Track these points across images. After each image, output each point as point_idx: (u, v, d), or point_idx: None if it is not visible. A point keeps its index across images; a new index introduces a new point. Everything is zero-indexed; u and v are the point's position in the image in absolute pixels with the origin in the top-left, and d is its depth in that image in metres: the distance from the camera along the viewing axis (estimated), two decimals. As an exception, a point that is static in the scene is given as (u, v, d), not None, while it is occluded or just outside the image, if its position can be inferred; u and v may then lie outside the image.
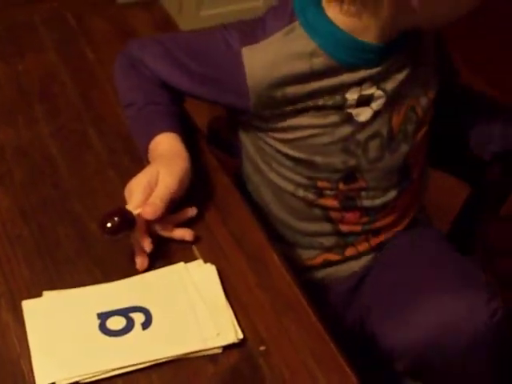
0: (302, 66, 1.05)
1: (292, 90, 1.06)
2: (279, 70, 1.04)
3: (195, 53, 1.11)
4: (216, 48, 1.08)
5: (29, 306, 0.93)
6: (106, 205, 1.05)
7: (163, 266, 0.99)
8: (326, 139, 1.10)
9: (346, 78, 1.06)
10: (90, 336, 0.91)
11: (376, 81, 1.08)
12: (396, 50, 1.08)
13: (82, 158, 1.13)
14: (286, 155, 1.12)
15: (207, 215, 1.05)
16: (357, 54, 1.05)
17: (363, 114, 1.09)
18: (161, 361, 0.89)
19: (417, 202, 1.25)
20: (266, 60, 1.05)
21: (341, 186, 1.13)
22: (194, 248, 1.01)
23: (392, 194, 1.17)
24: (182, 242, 1.02)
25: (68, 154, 1.14)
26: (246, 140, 1.18)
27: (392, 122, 1.11)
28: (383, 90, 1.08)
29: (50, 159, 1.13)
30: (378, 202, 1.16)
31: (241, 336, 0.91)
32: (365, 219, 1.18)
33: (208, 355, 0.90)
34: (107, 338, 0.90)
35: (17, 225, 1.03)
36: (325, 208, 1.16)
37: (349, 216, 1.17)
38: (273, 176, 1.16)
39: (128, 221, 0.95)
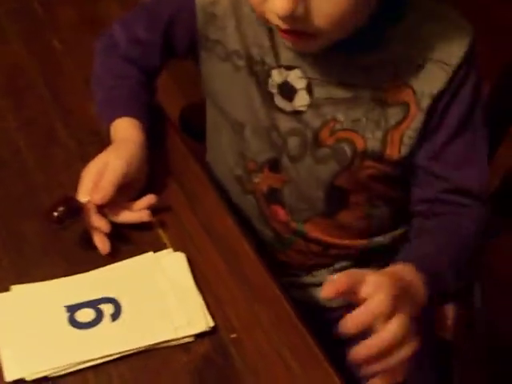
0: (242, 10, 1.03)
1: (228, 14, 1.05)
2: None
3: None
4: None
5: (-4, 300, 0.92)
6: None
7: (132, 256, 0.98)
8: (248, 116, 1.07)
9: (283, 49, 1.01)
10: (59, 329, 0.89)
11: (309, 74, 1.01)
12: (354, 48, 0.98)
13: (50, 152, 1.12)
14: (227, 118, 1.10)
15: (176, 203, 1.04)
16: None
17: (283, 104, 1.04)
18: (131, 351, 0.88)
19: (377, 228, 1.12)
20: None
21: (266, 171, 1.09)
22: (164, 236, 1.00)
23: (319, 205, 1.09)
24: (151, 231, 1.01)
25: (35, 147, 1.12)
26: (208, 110, 1.17)
27: (319, 136, 1.03)
28: (310, 90, 1.01)
29: (17, 153, 1.11)
30: (302, 206, 1.10)
31: (212, 324, 0.91)
32: (293, 224, 1.12)
33: (180, 344, 0.89)
34: (76, 330, 0.89)
35: (-17, 220, 1.02)
36: (255, 197, 1.13)
37: (276, 213, 1.12)
38: (221, 151, 1.14)
39: (74, 208, 0.96)
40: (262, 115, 1.06)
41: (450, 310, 1.23)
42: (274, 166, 1.08)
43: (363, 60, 0.99)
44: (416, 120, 1.00)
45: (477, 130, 1.02)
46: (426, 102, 0.99)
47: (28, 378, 0.85)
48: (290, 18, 0.89)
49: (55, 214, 0.94)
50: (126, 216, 1.00)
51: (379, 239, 1.13)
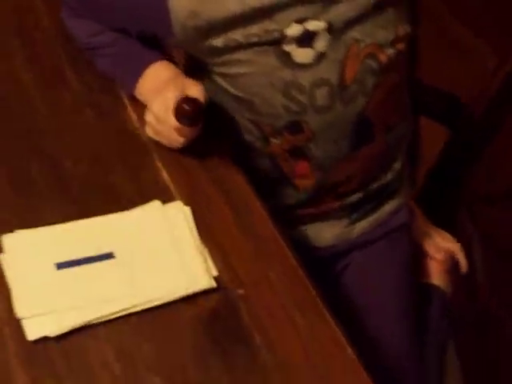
0: (228, 4, 0.98)
1: (216, 18, 0.99)
2: (204, 10, 0.98)
3: None
4: None
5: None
6: (82, 143, 1.03)
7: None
8: (263, 80, 1.04)
9: (284, 12, 0.99)
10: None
11: (321, 15, 1.00)
12: None
13: (58, 94, 1.09)
14: (228, 93, 1.07)
15: (186, 156, 1.03)
16: None
17: (304, 56, 1.01)
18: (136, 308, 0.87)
19: (387, 167, 1.17)
20: None
21: (286, 134, 1.08)
22: (172, 189, 0.99)
23: (345, 147, 1.10)
24: (160, 183, 0.99)
25: (43, 90, 1.10)
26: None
27: (345, 69, 1.03)
28: (330, 28, 1.00)
29: (25, 94, 1.08)
30: (328, 153, 1.10)
31: (214, 284, 0.90)
32: (318, 173, 1.12)
33: (187, 298, 0.88)
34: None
35: (-12, 160, 1.00)
36: (274, 157, 1.11)
37: (299, 167, 1.11)
38: (224, 120, 1.11)
39: (200, 107, 0.97)
40: (279, 79, 1.03)
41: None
42: (295, 128, 1.07)
43: None
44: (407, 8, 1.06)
45: None
46: None
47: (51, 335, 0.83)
48: None
49: (187, 107, 0.95)
50: None
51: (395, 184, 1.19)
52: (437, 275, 1.27)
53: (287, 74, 1.02)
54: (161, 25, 1.02)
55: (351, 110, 1.06)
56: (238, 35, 1.00)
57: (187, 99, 0.97)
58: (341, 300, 1.17)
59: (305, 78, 1.03)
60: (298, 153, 1.10)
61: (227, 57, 1.03)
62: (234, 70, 1.04)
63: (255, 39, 1.00)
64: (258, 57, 1.02)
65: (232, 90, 1.06)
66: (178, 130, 0.99)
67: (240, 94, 1.06)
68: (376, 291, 1.19)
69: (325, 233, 1.18)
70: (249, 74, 1.03)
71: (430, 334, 1.20)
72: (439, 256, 1.27)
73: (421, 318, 1.21)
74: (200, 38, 1.01)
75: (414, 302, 1.21)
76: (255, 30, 1.00)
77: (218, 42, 1.01)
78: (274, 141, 1.09)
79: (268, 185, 1.13)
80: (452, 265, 1.29)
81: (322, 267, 1.17)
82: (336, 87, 1.04)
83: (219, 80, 1.07)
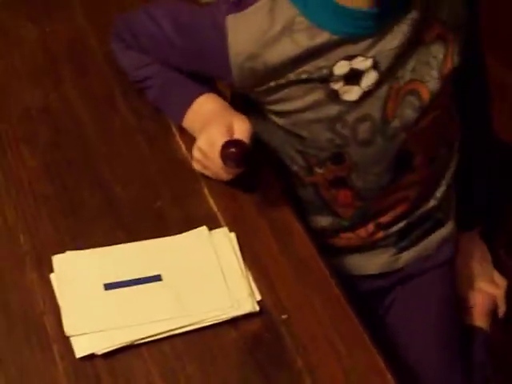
0: (284, 48, 1.00)
1: (273, 61, 1.01)
2: (262, 53, 1.00)
3: (181, 27, 1.08)
4: (202, 23, 1.05)
5: (57, 273, 0.93)
6: (132, 169, 1.06)
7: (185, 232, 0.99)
8: (311, 115, 1.06)
9: (334, 50, 1.01)
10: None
11: (369, 54, 1.01)
12: (395, 14, 1.00)
13: (109, 121, 1.13)
14: (277, 126, 1.10)
15: (232, 184, 1.04)
16: (345, 22, 0.98)
17: (351, 93, 1.03)
18: (183, 329, 0.89)
19: (430, 194, 1.19)
20: (248, 32, 1.01)
21: (329, 165, 1.10)
22: (219, 215, 1.01)
23: (386, 178, 1.12)
24: (207, 210, 1.01)
25: (95, 116, 1.13)
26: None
27: (387, 105, 1.05)
28: (376, 66, 1.01)
29: (77, 121, 1.12)
30: (369, 184, 1.12)
31: (257, 308, 0.91)
32: (358, 202, 1.14)
33: (230, 320, 0.90)
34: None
35: (42, 184, 1.03)
36: (316, 186, 1.13)
37: (341, 196, 1.14)
38: (270, 149, 1.14)
39: (246, 150, 0.97)
40: (325, 114, 1.05)
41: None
42: (338, 159, 1.09)
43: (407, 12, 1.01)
44: (456, 44, 1.06)
45: None
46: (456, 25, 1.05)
47: (98, 353, 0.86)
48: None
49: (232, 150, 0.95)
50: None
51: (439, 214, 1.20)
52: (478, 317, 1.28)
53: (334, 109, 1.05)
54: (219, 66, 1.04)
55: (392, 144, 1.08)
56: (289, 74, 1.02)
57: (233, 142, 0.97)
58: (384, 332, 1.18)
59: (350, 114, 1.05)
60: (339, 182, 1.12)
61: (278, 94, 1.05)
62: (284, 106, 1.07)
63: (305, 76, 1.02)
64: (307, 93, 1.04)
65: (281, 123, 1.09)
66: (223, 169, 1.01)
67: (289, 128, 1.08)
68: (418, 325, 1.19)
69: (370, 262, 1.19)
70: (298, 109, 1.06)
71: (474, 372, 1.20)
72: (478, 300, 1.27)
73: (465, 355, 1.21)
74: (255, 79, 1.04)
75: (454, 335, 1.21)
76: (306, 67, 1.02)
77: (271, 83, 1.04)
78: (318, 170, 1.11)
79: (311, 213, 1.15)
80: (493, 307, 1.29)
81: (367, 301, 1.19)
82: (378, 122, 1.05)
83: (270, 115, 1.10)
